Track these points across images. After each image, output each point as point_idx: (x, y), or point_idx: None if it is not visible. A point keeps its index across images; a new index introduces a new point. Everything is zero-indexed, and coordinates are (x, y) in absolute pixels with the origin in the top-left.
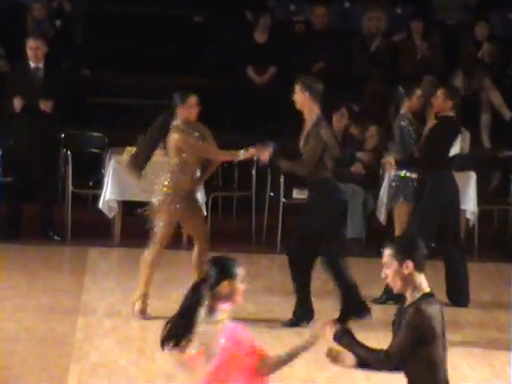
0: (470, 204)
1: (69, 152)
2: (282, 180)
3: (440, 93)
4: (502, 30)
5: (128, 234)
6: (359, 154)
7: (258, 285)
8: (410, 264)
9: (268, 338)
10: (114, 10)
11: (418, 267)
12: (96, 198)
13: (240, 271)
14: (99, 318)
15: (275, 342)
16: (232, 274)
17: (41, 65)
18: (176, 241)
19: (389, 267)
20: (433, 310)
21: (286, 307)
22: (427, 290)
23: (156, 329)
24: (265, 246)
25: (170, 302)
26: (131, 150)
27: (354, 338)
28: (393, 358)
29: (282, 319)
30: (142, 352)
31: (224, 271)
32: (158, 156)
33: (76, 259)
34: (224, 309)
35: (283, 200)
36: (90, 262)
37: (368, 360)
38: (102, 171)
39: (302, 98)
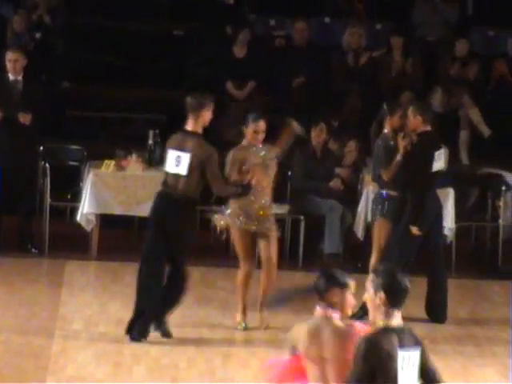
0: (447, 220)
1: (47, 164)
2: None
3: (409, 111)
4: (481, 47)
5: (106, 247)
6: (337, 170)
7: (235, 299)
8: (382, 295)
9: (246, 353)
10: (93, 24)
11: (391, 301)
12: (74, 210)
13: (350, 282)
14: (76, 331)
15: (252, 357)
16: (341, 283)
17: (20, 77)
18: None
19: (367, 292)
20: (385, 344)
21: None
22: (392, 324)
23: (133, 343)
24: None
25: None
26: (109, 163)
27: None
28: None
29: (259, 333)
30: (118, 365)
31: (333, 279)
32: (136, 169)
33: (53, 272)
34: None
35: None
36: (67, 274)
37: None
38: (81, 184)
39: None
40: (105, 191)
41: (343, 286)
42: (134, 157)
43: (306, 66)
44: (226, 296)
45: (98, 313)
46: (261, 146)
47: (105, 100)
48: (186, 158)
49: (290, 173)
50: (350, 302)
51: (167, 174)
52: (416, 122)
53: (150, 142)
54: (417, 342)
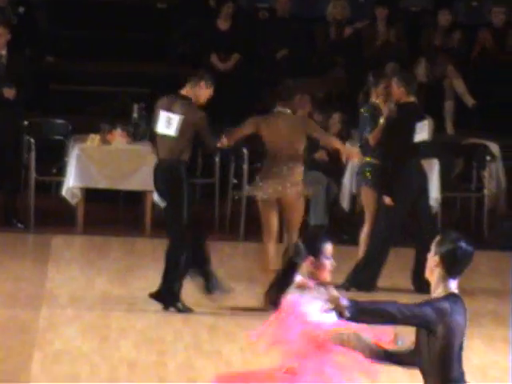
0: (433, 191)
1: (32, 139)
2: (245, 167)
3: (393, 81)
4: (465, 16)
5: (91, 221)
6: None
7: (221, 272)
8: (438, 261)
9: (232, 326)
10: None
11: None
12: (59, 185)
13: (328, 247)
14: (63, 306)
15: (239, 330)
16: (318, 250)
17: (4, 52)
18: (139, 228)
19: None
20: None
21: (249, 294)
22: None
23: (119, 316)
24: (228, 234)
25: (132, 290)
26: (94, 137)
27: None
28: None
29: (246, 306)
30: (105, 339)
31: (310, 247)
32: (121, 143)
33: (39, 247)
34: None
35: (247, 187)
36: (53, 249)
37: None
38: (66, 158)
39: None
40: (90, 165)
41: (319, 253)
42: (118, 130)
43: (289, 38)
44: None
45: (84, 287)
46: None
47: (89, 74)
48: (176, 119)
49: None
50: (328, 268)
51: (157, 136)
52: (399, 92)
53: (135, 115)
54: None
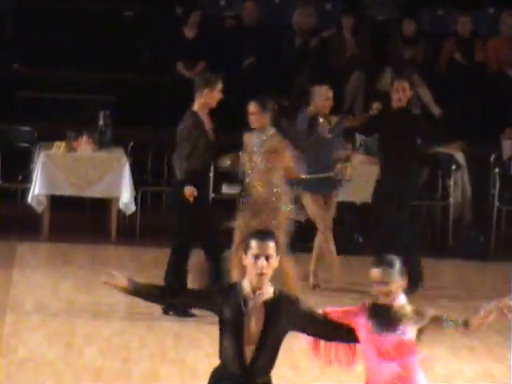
0: None
1: None
2: (211, 175)
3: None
4: (431, 26)
5: (57, 228)
6: None
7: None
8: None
9: (197, 333)
10: (43, 5)
11: None
12: (25, 192)
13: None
14: (27, 313)
15: (204, 336)
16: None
17: None
18: (104, 235)
19: None
20: None
21: None
22: None
23: (84, 323)
24: None
25: (97, 297)
26: (60, 144)
27: None
28: None
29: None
30: (70, 347)
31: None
32: (87, 151)
33: (5, 254)
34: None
35: (212, 195)
36: (18, 256)
37: None
38: (31, 166)
39: None
40: (56, 172)
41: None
42: (84, 138)
43: (255, 46)
44: None
45: (49, 294)
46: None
47: (55, 81)
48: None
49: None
50: None
51: None
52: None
53: (101, 123)
54: None
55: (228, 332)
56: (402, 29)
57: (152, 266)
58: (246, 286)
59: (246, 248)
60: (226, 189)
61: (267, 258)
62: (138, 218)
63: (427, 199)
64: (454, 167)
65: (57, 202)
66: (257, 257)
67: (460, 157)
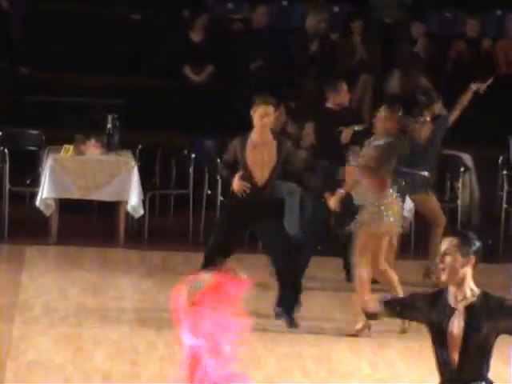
0: (406, 202)
1: (6, 150)
2: (219, 178)
3: None
4: (439, 28)
5: (65, 232)
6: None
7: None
8: (473, 260)
9: None
10: (52, 9)
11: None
12: (33, 196)
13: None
14: (36, 316)
15: None
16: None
17: None
18: (113, 239)
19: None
20: None
21: None
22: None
23: (92, 327)
24: (202, 245)
25: (106, 301)
26: (68, 147)
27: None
28: None
29: None
30: (78, 350)
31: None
32: (95, 154)
33: (13, 257)
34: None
35: (220, 198)
36: (27, 259)
37: None
38: (40, 169)
39: None
40: (64, 176)
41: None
42: (92, 141)
43: (264, 50)
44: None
45: (58, 298)
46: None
47: (63, 85)
48: None
49: None
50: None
51: None
52: None
53: (109, 126)
54: None
55: (434, 339)
56: (410, 31)
57: (160, 269)
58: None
59: None
60: None
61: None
62: (147, 222)
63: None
64: (461, 169)
65: (65, 206)
66: None
67: (468, 159)
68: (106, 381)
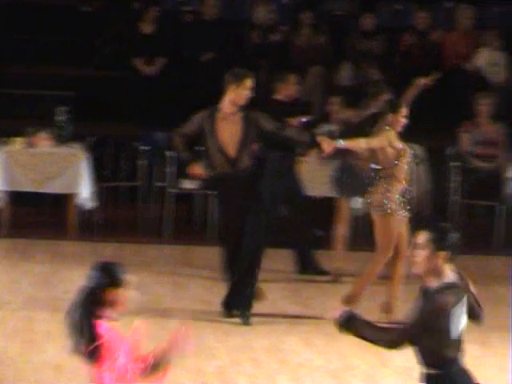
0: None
1: None
2: (167, 170)
3: None
4: (388, 20)
5: (16, 225)
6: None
7: (145, 275)
8: (444, 254)
9: (156, 329)
10: (0, 0)
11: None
12: None
13: (126, 278)
14: None
15: (164, 333)
16: (117, 281)
17: None
18: (64, 231)
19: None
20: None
21: (174, 297)
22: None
23: (43, 320)
24: (151, 237)
25: (57, 293)
26: (19, 140)
27: (360, 321)
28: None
29: (170, 309)
30: (29, 343)
31: (109, 277)
32: (46, 146)
33: None
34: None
35: (169, 190)
36: None
37: (375, 341)
38: None
39: None
40: (15, 168)
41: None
42: (43, 134)
43: (214, 41)
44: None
45: (8, 291)
46: None
47: (13, 77)
48: None
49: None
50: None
51: None
52: None
53: (59, 118)
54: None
55: None
56: (360, 23)
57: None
58: None
59: None
60: (186, 184)
61: None
62: (97, 214)
63: None
64: (417, 161)
65: (16, 198)
66: None
67: (419, 150)
68: (58, 374)
